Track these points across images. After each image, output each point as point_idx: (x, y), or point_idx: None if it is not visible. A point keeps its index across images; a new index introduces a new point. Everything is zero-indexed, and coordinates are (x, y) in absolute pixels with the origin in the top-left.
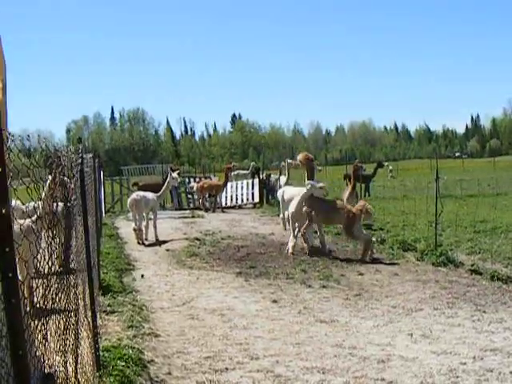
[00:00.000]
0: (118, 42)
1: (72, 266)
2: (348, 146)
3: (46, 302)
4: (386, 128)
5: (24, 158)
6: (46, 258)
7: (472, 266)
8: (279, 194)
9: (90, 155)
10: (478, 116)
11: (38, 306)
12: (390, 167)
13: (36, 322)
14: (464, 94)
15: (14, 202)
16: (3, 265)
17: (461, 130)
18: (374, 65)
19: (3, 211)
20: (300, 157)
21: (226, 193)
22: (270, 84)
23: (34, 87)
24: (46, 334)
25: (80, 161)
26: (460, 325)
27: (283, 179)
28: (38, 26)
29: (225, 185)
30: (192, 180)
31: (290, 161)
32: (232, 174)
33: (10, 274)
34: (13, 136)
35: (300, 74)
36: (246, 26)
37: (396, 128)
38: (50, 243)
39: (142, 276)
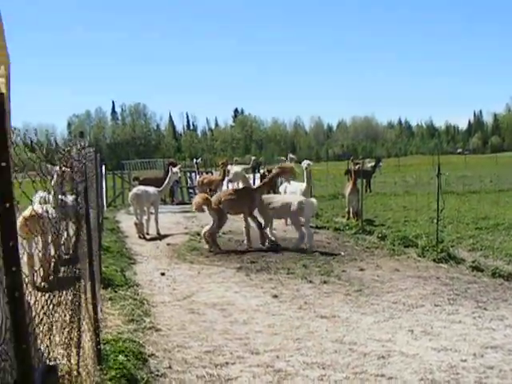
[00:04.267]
0: (119, 37)
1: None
2: (350, 141)
3: (51, 296)
4: (389, 123)
5: (29, 151)
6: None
7: (473, 262)
8: (282, 188)
9: (92, 149)
10: (480, 112)
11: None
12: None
13: (41, 316)
14: (467, 91)
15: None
16: (7, 259)
17: (463, 126)
18: (378, 61)
19: (7, 205)
20: None
21: (228, 187)
22: (272, 79)
23: (35, 81)
24: (51, 327)
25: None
26: (461, 321)
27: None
28: (41, 21)
29: (223, 179)
30: (193, 175)
31: (291, 156)
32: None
33: (14, 268)
34: (18, 131)
35: (302, 68)
36: (249, 21)
37: (400, 123)
38: (59, 234)
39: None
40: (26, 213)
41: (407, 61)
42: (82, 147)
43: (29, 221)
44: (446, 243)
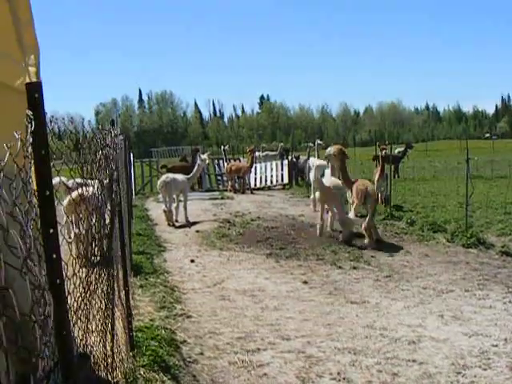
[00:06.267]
0: (144, 25)
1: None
2: (376, 127)
3: (89, 284)
4: (416, 109)
5: (57, 140)
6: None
7: (503, 247)
8: (312, 174)
9: (121, 137)
10: (508, 96)
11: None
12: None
13: (78, 302)
14: (494, 75)
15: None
16: (47, 246)
17: (491, 110)
18: (404, 45)
19: (47, 193)
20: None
21: (256, 174)
22: (298, 65)
23: (62, 70)
24: (89, 313)
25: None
26: (491, 306)
27: (312, 160)
28: (66, 10)
29: (251, 166)
30: (221, 162)
31: (319, 142)
32: (260, 154)
33: (54, 256)
34: (56, 119)
35: (329, 54)
36: (273, 8)
37: (427, 108)
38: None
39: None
40: (74, 194)
41: (433, 45)
42: (116, 135)
43: (76, 202)
44: (475, 228)
